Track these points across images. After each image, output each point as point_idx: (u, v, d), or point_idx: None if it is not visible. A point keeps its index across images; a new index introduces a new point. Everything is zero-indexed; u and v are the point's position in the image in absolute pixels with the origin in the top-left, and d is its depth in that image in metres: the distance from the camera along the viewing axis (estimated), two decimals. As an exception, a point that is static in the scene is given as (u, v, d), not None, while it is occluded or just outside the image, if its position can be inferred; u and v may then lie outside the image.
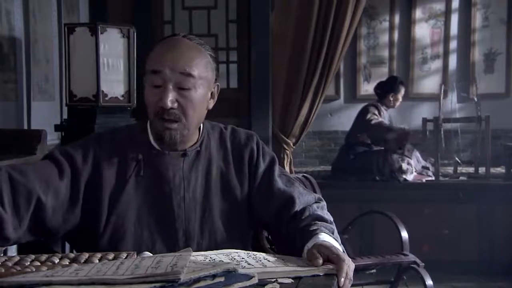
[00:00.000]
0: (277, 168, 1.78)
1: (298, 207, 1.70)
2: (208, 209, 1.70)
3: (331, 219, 1.69)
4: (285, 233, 1.68)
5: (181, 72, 1.61)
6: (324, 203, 1.77)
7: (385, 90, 5.23)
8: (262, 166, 1.76)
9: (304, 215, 1.66)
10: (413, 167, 4.99)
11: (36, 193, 1.56)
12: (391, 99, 5.18)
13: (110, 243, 1.63)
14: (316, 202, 1.74)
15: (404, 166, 4.91)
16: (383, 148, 4.99)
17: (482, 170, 5.02)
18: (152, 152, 1.69)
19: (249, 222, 1.76)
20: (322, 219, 1.65)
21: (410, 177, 4.93)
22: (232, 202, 1.73)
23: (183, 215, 1.67)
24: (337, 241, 1.58)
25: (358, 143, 5.11)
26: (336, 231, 1.63)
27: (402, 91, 5.25)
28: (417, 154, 5.18)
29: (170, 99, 1.60)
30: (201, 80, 1.64)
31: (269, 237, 1.96)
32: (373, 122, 4.98)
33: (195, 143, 1.73)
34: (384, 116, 5.16)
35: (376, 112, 5.09)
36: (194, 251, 1.58)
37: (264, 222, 1.78)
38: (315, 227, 1.59)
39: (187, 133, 1.66)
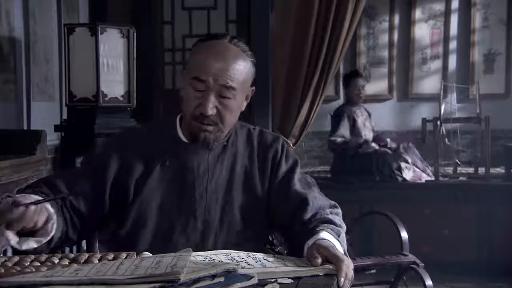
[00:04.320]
0: (298, 171, 1.79)
1: (310, 210, 1.69)
2: (229, 202, 1.73)
3: (341, 224, 1.69)
4: (295, 236, 1.68)
5: (223, 85, 1.64)
6: (338, 210, 1.76)
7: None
8: (284, 167, 1.78)
9: (314, 218, 1.67)
10: (411, 164, 4.98)
11: (71, 202, 1.64)
12: (346, 96, 5.16)
13: (132, 231, 1.68)
14: (330, 208, 1.74)
15: (403, 165, 4.91)
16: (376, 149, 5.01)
17: (481, 170, 5.02)
18: (178, 144, 1.73)
19: (266, 221, 1.78)
20: (330, 221, 1.65)
21: (409, 174, 4.92)
22: (252, 199, 1.75)
23: (204, 205, 1.70)
24: (341, 243, 1.57)
25: None
26: (343, 235, 1.63)
27: (357, 83, 5.09)
28: (415, 151, 5.15)
29: (211, 107, 1.64)
30: (242, 89, 1.69)
31: (273, 240, 1.97)
32: (335, 147, 4.99)
33: (223, 138, 1.76)
34: (356, 116, 5.12)
35: (343, 124, 5.02)
36: (211, 242, 1.65)
37: (279, 223, 1.78)
38: (319, 228, 1.59)
39: (220, 134, 1.71)
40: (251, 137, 1.82)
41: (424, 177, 5.02)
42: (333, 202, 1.78)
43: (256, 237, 1.75)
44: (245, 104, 1.77)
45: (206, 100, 1.64)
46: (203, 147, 1.71)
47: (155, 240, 1.65)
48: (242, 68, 1.68)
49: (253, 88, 1.77)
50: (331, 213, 1.71)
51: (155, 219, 1.68)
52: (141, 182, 1.69)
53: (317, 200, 1.73)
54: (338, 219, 1.70)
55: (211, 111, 1.64)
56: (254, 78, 1.76)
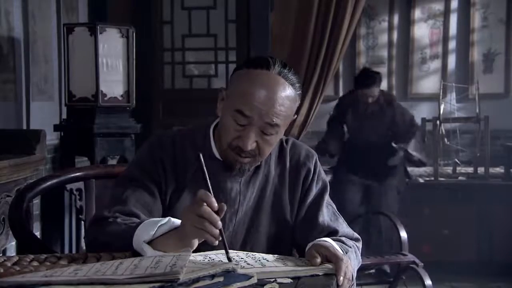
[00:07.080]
0: (326, 197, 1.74)
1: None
2: (256, 225, 1.69)
3: (356, 250, 1.65)
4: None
5: (268, 122, 1.56)
6: (359, 244, 1.72)
7: None
8: (314, 191, 1.73)
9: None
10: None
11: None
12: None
13: None
14: (351, 240, 1.70)
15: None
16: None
17: (481, 170, 5.02)
18: (212, 161, 1.65)
19: (291, 243, 1.74)
20: (340, 241, 1.63)
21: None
22: (280, 222, 1.71)
23: (231, 228, 1.66)
24: (344, 252, 1.55)
25: None
26: (351, 253, 1.60)
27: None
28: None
29: (251, 143, 1.57)
30: (285, 123, 1.61)
31: None
32: None
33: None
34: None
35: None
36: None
37: (299, 247, 1.74)
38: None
39: (256, 163, 1.65)
40: (283, 152, 1.74)
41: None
42: (356, 235, 1.73)
43: None
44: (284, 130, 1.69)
45: (247, 136, 1.56)
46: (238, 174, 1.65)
47: None
48: (288, 104, 1.58)
49: (296, 116, 1.68)
50: (347, 240, 1.66)
51: None
52: (175, 198, 1.64)
53: (346, 234, 1.69)
54: (352, 244, 1.65)
55: (250, 147, 1.56)
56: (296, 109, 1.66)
